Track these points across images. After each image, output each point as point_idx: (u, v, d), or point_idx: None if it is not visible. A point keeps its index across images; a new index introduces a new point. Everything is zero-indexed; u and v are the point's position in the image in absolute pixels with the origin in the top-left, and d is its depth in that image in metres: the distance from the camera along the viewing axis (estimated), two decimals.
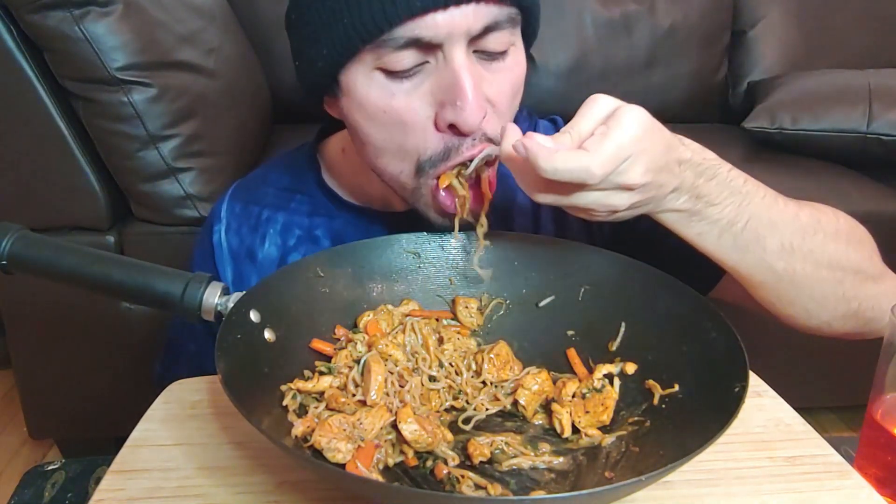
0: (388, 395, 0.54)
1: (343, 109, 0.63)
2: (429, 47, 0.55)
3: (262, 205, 0.77)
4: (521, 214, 0.76)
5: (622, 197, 0.50)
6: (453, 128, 0.58)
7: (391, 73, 0.57)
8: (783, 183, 1.83)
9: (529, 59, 0.65)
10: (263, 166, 0.84)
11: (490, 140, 0.60)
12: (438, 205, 0.62)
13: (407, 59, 0.56)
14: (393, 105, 0.58)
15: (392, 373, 0.55)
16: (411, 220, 0.70)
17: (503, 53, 0.59)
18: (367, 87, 0.58)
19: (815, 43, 2.06)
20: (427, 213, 0.65)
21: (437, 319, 0.63)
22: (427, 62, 0.57)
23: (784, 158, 1.71)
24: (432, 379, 0.57)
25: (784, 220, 0.60)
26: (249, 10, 1.83)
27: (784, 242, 0.59)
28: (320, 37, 0.58)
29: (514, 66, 0.61)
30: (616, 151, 0.48)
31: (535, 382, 0.56)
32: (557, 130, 0.81)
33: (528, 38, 0.64)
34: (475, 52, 0.58)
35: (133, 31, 1.16)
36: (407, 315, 0.62)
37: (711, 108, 2.13)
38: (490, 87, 0.59)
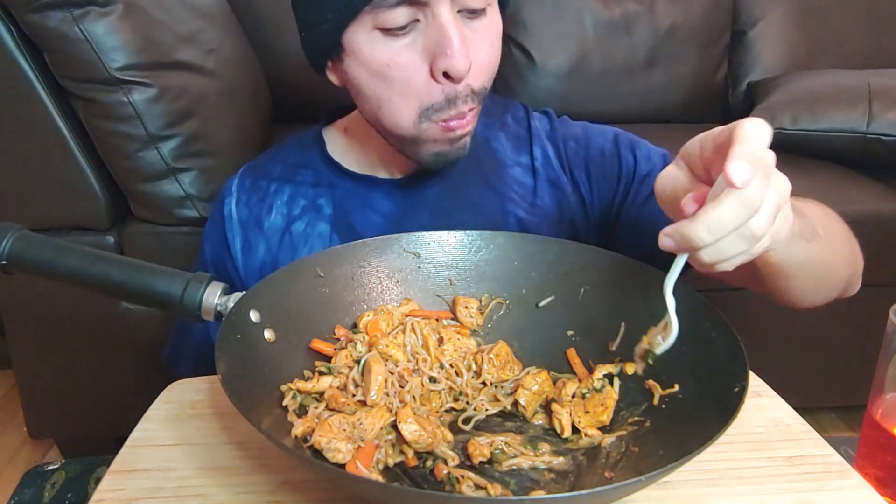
0: (388, 395, 0.54)
1: (346, 70, 0.69)
2: (418, 5, 0.62)
3: (270, 179, 0.83)
4: (518, 184, 0.80)
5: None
6: (447, 77, 0.64)
7: (388, 31, 0.63)
8: None
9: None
10: (273, 148, 0.90)
11: (476, 95, 0.67)
12: (445, 136, 0.68)
13: (401, 16, 0.62)
14: (396, 60, 0.64)
15: (392, 373, 0.55)
16: (407, 185, 0.79)
17: (483, 11, 0.66)
18: (370, 45, 0.65)
19: (815, 43, 2.06)
20: (421, 156, 0.71)
21: (437, 319, 0.63)
22: (418, 20, 0.63)
23: (784, 158, 1.69)
24: (433, 380, 0.57)
25: (805, 207, 0.60)
26: (249, 10, 1.83)
27: (821, 227, 0.60)
28: (325, 2, 0.64)
29: (492, 23, 0.68)
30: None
31: (535, 382, 0.57)
32: (550, 119, 0.84)
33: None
34: (458, 11, 0.64)
35: (133, 31, 1.16)
36: (407, 315, 0.62)
37: (711, 108, 2.13)
38: (472, 43, 0.65)
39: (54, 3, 1.07)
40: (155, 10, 1.25)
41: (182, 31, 1.31)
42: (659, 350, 0.52)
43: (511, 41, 1.97)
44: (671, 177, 0.50)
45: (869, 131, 1.63)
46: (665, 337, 0.52)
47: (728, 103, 2.12)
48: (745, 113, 1.82)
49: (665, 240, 0.46)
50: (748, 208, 0.43)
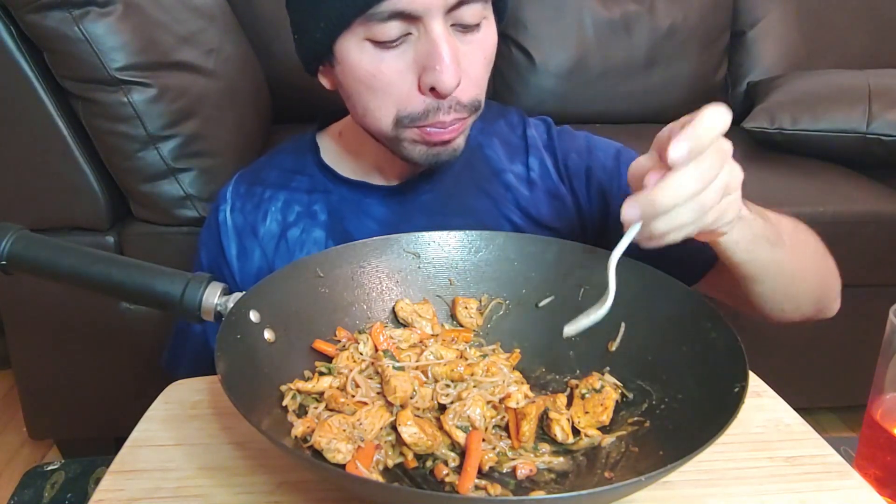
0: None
1: (337, 76, 0.70)
2: (411, 19, 0.62)
3: (265, 185, 0.82)
4: (511, 191, 0.80)
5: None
6: (433, 91, 0.64)
7: (379, 44, 0.64)
8: (783, 183, 1.84)
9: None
10: (268, 153, 0.89)
11: (464, 107, 0.67)
12: (424, 141, 0.68)
13: (393, 30, 0.62)
14: (382, 70, 0.65)
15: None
16: (401, 191, 0.79)
17: (477, 26, 0.66)
18: (358, 55, 0.65)
19: (815, 43, 2.06)
20: (409, 155, 0.71)
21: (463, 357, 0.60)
22: (410, 33, 0.63)
23: (784, 158, 1.71)
24: (441, 407, 0.55)
25: (771, 215, 0.63)
26: (249, 10, 1.83)
27: (787, 235, 0.63)
28: (318, 10, 0.64)
29: (486, 37, 0.68)
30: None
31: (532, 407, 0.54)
32: (548, 128, 0.84)
33: (499, 13, 0.71)
34: (452, 25, 0.64)
35: (133, 31, 1.16)
36: (430, 337, 0.61)
37: None
38: (465, 58, 0.65)
39: (54, 3, 1.07)
40: (155, 11, 1.25)
41: (182, 31, 1.31)
42: (591, 320, 0.53)
43: (511, 41, 1.97)
44: (642, 165, 0.51)
45: (869, 131, 1.63)
46: (600, 307, 0.53)
47: (728, 103, 2.11)
48: (745, 113, 1.82)
49: (629, 209, 0.48)
50: (704, 178, 0.46)
